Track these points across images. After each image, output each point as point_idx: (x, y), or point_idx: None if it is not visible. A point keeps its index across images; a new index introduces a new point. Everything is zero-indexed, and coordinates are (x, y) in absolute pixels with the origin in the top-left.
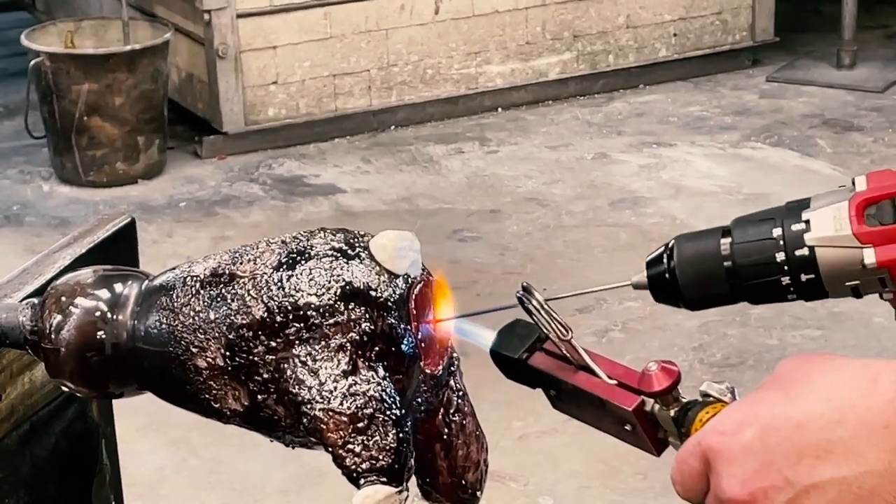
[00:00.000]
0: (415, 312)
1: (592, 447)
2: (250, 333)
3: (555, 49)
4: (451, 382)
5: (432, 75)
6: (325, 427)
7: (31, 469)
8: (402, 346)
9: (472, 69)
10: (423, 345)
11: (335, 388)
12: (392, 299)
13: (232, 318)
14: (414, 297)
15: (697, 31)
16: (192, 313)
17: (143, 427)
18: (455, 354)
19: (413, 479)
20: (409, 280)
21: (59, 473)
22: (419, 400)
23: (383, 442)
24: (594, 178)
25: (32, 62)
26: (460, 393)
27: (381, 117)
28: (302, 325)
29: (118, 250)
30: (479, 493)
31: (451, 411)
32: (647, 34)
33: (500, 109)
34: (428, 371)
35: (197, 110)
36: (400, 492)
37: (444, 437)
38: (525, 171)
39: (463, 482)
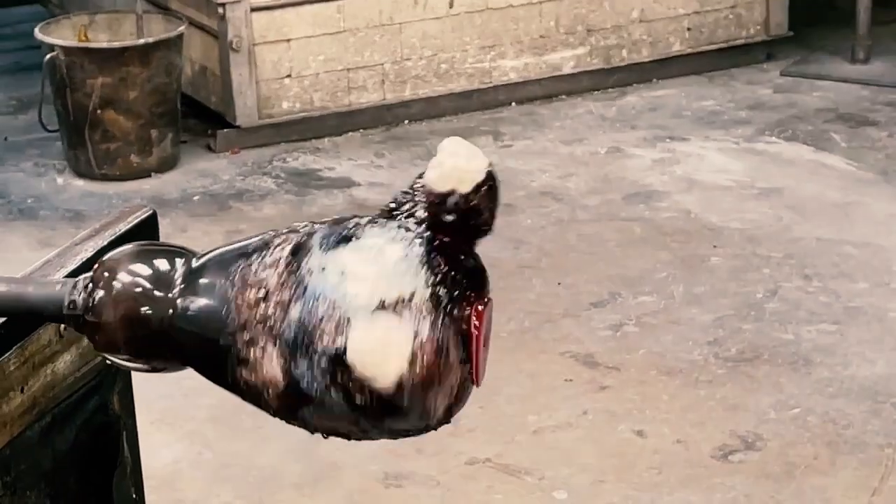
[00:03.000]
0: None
1: (607, 441)
2: None
3: (569, 43)
4: None
5: (446, 69)
6: None
7: (53, 461)
8: None
9: (486, 63)
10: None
11: None
12: None
13: None
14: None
15: (711, 25)
16: None
17: (158, 420)
18: None
19: None
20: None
21: (79, 466)
22: None
23: None
24: (608, 172)
25: (47, 56)
26: None
27: (395, 111)
28: None
29: (139, 237)
30: None
31: None
32: (660, 28)
33: (513, 104)
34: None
35: (210, 104)
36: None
37: None
38: (539, 165)
39: None
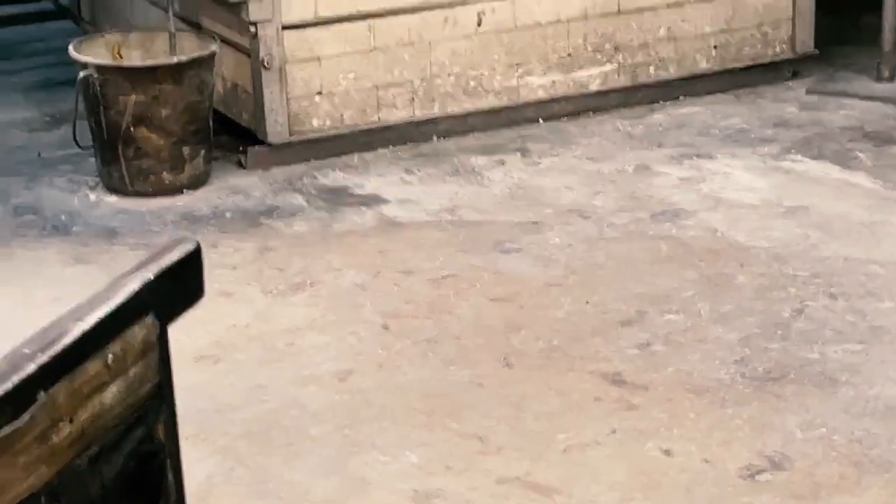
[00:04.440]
0: None
1: (634, 460)
2: None
3: (596, 61)
4: None
5: (475, 87)
6: None
7: (101, 490)
8: None
9: (514, 81)
10: None
11: None
12: None
13: None
14: None
15: (738, 43)
16: None
17: (192, 436)
18: None
19: None
20: None
21: (126, 493)
22: None
23: None
24: (635, 189)
25: (81, 74)
26: None
27: (424, 128)
28: None
29: (186, 275)
30: None
31: None
32: (687, 46)
33: (541, 121)
34: None
35: (242, 120)
36: None
37: None
38: (566, 182)
39: None
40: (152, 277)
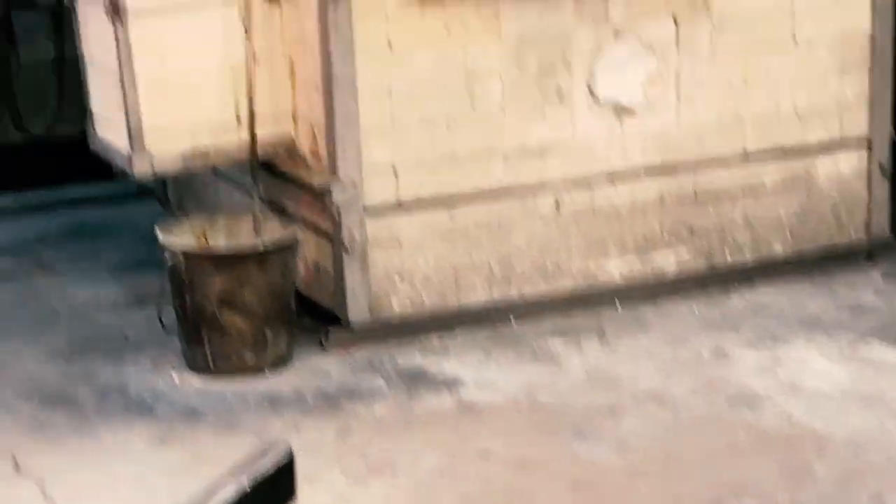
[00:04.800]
0: None
1: None
2: None
3: (672, 245)
4: None
5: (552, 270)
6: None
7: None
8: None
9: (590, 265)
10: None
11: None
12: None
13: None
14: None
15: (813, 228)
16: None
17: None
18: None
19: None
20: None
21: None
22: None
23: None
24: (711, 375)
25: (168, 258)
26: None
27: (502, 311)
28: None
29: (279, 482)
30: None
31: None
32: (763, 231)
33: (618, 304)
34: None
35: (323, 302)
36: None
37: None
38: (643, 367)
39: None
40: (248, 489)
